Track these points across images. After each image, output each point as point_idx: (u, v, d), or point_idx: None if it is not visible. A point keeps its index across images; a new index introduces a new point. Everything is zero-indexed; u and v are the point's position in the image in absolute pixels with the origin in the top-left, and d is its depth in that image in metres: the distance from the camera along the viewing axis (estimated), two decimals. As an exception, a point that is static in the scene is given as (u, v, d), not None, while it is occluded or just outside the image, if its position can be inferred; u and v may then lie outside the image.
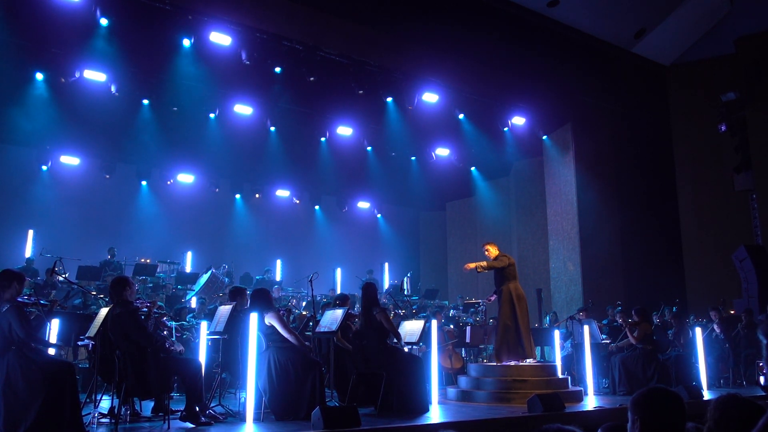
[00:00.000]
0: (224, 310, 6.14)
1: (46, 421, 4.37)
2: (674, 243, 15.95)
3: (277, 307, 7.00)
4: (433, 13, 12.00)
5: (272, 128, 14.22)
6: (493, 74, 13.41)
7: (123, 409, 5.21)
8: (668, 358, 8.88)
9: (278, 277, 14.89)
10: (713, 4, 15.21)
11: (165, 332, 6.71)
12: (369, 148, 15.68)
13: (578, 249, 14.27)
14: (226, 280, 12.04)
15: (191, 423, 5.10)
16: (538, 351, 9.46)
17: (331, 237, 17.30)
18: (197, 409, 5.19)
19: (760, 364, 9.65)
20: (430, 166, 16.71)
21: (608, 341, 9.54)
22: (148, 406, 5.80)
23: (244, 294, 6.70)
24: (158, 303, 6.77)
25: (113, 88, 11.78)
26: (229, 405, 6.16)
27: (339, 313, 6.48)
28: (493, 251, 7.96)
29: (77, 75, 11.34)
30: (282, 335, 5.77)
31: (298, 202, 17.03)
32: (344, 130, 14.65)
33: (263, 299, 5.94)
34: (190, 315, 8.86)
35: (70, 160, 13.81)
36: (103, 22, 10.07)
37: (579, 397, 7.46)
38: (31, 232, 12.73)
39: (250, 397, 5.43)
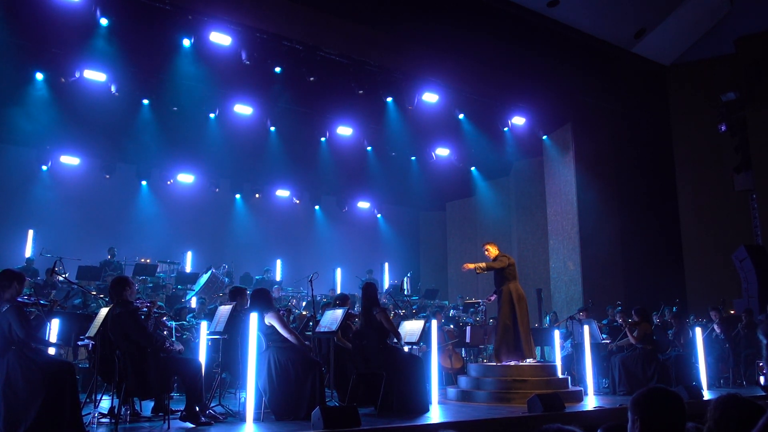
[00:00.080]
0: (224, 310, 6.14)
1: (46, 421, 4.37)
2: (674, 243, 15.95)
3: (277, 307, 7.00)
4: (433, 13, 12.00)
5: (272, 128, 14.22)
6: (493, 74, 13.41)
7: (123, 409, 5.21)
8: (668, 358, 8.88)
9: (278, 277, 14.90)
10: (713, 4, 15.20)
11: (165, 332, 6.71)
12: (369, 148, 15.69)
13: (578, 249, 14.27)
14: (226, 280, 12.04)
15: (191, 423, 5.10)
16: (538, 351, 9.46)
17: (331, 237, 17.30)
18: (197, 409, 5.19)
19: (760, 364, 9.65)
20: (430, 166, 16.71)
21: (608, 341, 9.54)
22: (148, 406, 5.80)
23: (244, 294, 6.71)
24: (158, 303, 6.77)
25: (113, 88, 11.78)
26: (229, 405, 6.16)
27: (339, 313, 6.48)
28: (493, 251, 7.95)
29: (77, 75, 11.34)
30: (282, 335, 5.77)
31: (298, 202, 17.03)
32: (344, 130, 14.65)
33: (263, 299, 5.94)
34: (190, 315, 8.86)
35: (70, 160, 13.81)
36: (103, 22, 10.07)
37: (579, 397, 7.46)
38: (31, 232, 12.73)
39: (250, 397, 5.43)
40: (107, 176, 14.06)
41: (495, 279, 7.99)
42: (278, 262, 15.77)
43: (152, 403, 5.70)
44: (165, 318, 7.06)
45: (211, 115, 13.27)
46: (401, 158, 16.46)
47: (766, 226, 14.88)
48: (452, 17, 12.16)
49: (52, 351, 5.83)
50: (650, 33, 15.00)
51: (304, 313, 9.57)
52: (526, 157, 16.33)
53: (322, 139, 14.86)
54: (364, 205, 18.35)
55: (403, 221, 19.13)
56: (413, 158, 16.78)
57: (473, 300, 13.20)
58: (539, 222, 15.94)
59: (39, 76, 11.62)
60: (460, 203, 18.59)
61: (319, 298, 11.47)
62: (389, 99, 13.34)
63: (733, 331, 10.46)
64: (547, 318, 12.17)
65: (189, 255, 14.25)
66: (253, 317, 5.58)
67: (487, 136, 14.86)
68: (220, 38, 10.81)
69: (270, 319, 5.78)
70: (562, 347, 9.34)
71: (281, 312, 6.40)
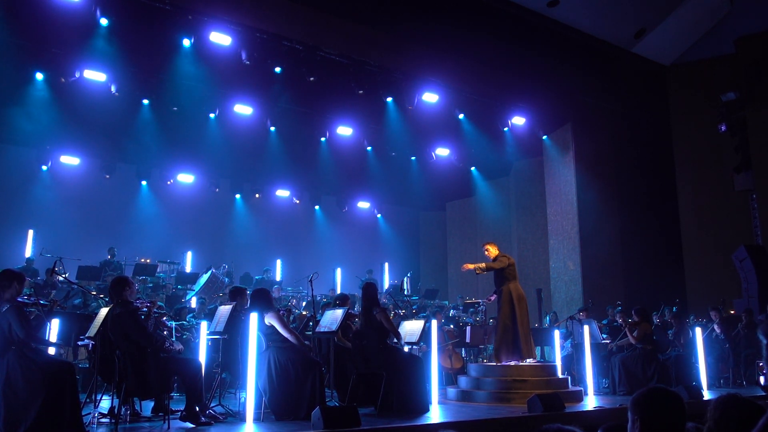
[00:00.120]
0: (224, 310, 6.14)
1: (46, 421, 4.37)
2: (674, 243, 15.95)
3: (277, 307, 7.00)
4: (433, 13, 12.00)
5: (272, 128, 14.22)
6: (493, 74, 13.41)
7: (123, 409, 5.21)
8: (668, 358, 8.88)
9: (278, 277, 14.90)
10: (713, 4, 15.20)
11: (165, 332, 6.71)
12: (369, 148, 15.69)
13: (578, 249, 14.27)
14: (226, 280, 12.04)
15: (191, 423, 5.10)
16: (538, 351, 9.46)
17: (331, 237, 17.30)
18: (197, 409, 5.19)
19: (760, 364, 9.66)
20: (430, 166, 16.71)
21: (608, 341, 9.54)
22: (148, 406, 5.80)
23: (244, 294, 6.71)
24: (158, 303, 6.77)
25: (113, 88, 11.78)
26: (229, 405, 6.16)
27: (339, 313, 6.48)
28: (493, 251, 7.95)
29: (77, 75, 11.34)
30: (282, 335, 5.77)
31: (298, 202, 17.03)
32: (344, 130, 14.65)
33: (263, 299, 5.94)
34: (190, 315, 8.86)
35: (70, 160, 13.81)
36: (103, 22, 10.07)
37: (579, 397, 7.46)
38: (31, 232, 12.73)
39: (250, 397, 5.43)
40: (107, 176, 14.06)
41: (495, 279, 7.98)
42: (278, 262, 15.77)
43: (152, 403, 5.70)
44: (165, 318, 7.06)
45: (211, 115, 13.27)
46: (401, 158, 16.46)
47: (766, 226, 14.88)
48: (452, 17, 12.15)
49: (52, 351, 5.84)
50: (650, 33, 15.00)
51: (304, 313, 9.57)
52: (526, 157, 16.33)
53: (322, 139, 14.86)
54: (364, 205, 18.35)
55: (403, 221, 19.13)
56: (413, 158, 16.78)
57: (473, 300, 13.20)
58: (539, 222, 15.95)
59: (39, 76, 11.62)
60: (460, 203, 18.59)
61: (319, 298, 11.46)
62: (389, 99, 13.34)
63: (733, 331, 10.46)
64: (547, 318, 12.17)
65: (189, 255, 14.25)
66: (253, 317, 5.58)
67: (487, 136, 14.86)
68: (220, 38, 10.81)
69: (270, 319, 5.78)
70: (562, 347, 9.34)
71: (281, 312, 6.40)
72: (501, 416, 5.89)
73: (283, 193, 16.84)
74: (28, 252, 12.35)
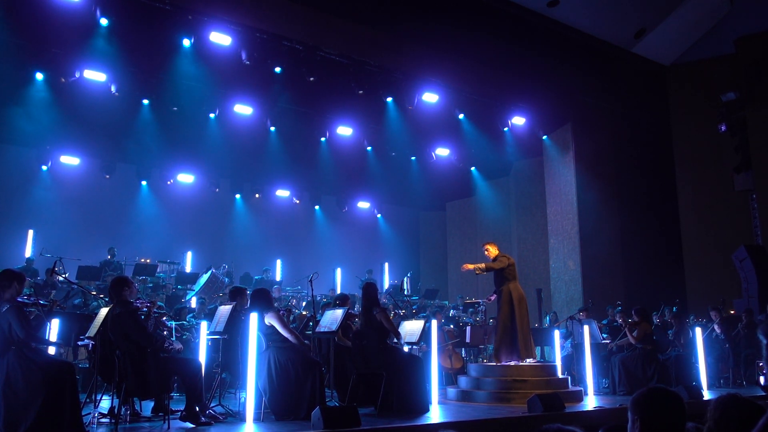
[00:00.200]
0: (224, 310, 6.14)
1: (46, 421, 4.37)
2: (674, 243, 15.95)
3: (277, 307, 7.00)
4: (433, 13, 12.00)
5: (272, 128, 14.22)
6: (493, 74, 13.41)
7: (123, 409, 5.21)
8: (668, 358, 8.88)
9: (278, 277, 14.90)
10: (713, 4, 15.21)
11: (165, 332, 6.71)
12: (369, 148, 15.69)
13: (578, 249, 14.27)
14: (226, 280, 12.04)
15: (191, 423, 5.10)
16: (538, 351, 9.46)
17: (331, 237, 17.30)
18: (197, 409, 5.19)
19: (760, 364, 9.65)
20: (430, 166, 16.71)
21: (608, 341, 9.54)
22: (148, 406, 5.80)
23: (244, 294, 6.70)
24: (158, 303, 6.77)
25: (113, 88, 11.78)
26: (229, 405, 6.16)
27: (339, 313, 6.48)
28: (493, 251, 7.95)
29: (77, 75, 11.34)
30: (282, 335, 5.77)
31: (298, 202, 17.03)
32: (344, 130, 14.65)
33: (263, 299, 5.94)
34: (190, 315, 8.86)
35: (70, 160, 13.82)
36: (103, 22, 10.07)
37: (579, 397, 7.46)
38: (31, 232, 12.73)
39: (250, 397, 5.43)
40: (107, 176, 14.06)
41: (495, 279, 7.98)
42: (278, 262, 15.77)
43: (152, 403, 5.70)
44: (165, 318, 7.06)
45: (211, 115, 13.27)
46: (401, 158, 16.46)
47: (766, 226, 14.88)
48: (452, 17, 12.15)
49: (52, 351, 5.84)
50: (650, 33, 15.00)
51: (304, 313, 9.57)
52: (526, 157, 16.33)
53: (322, 139, 14.86)
54: (364, 205, 18.36)
55: (403, 221, 19.13)
56: (413, 158, 16.78)
57: (473, 300, 13.21)
58: (539, 222, 15.95)
59: (39, 76, 11.62)
60: (460, 203, 18.59)
61: (319, 298, 11.47)
62: (389, 99, 13.34)
63: (733, 331, 10.45)
64: (547, 318, 12.17)
65: (189, 255, 14.25)
66: (253, 317, 5.58)
67: (487, 136, 14.86)
68: (220, 38, 10.81)
69: (270, 319, 5.78)
70: (562, 347, 9.34)
71: (281, 312, 6.40)
72: (501, 416, 5.89)
73: (283, 193, 16.84)
74: (28, 252, 12.35)
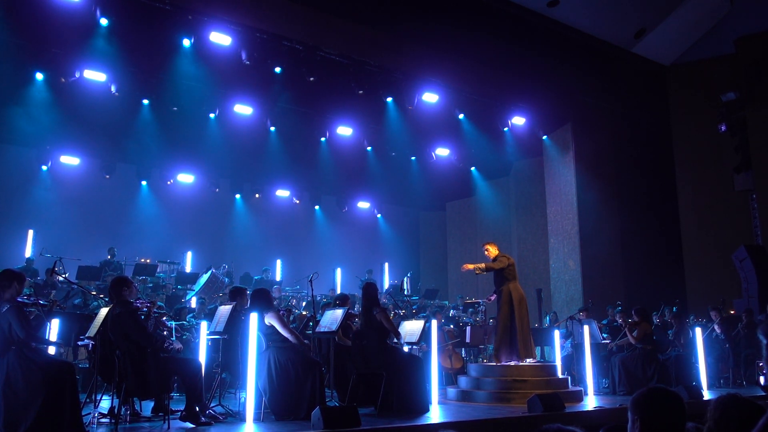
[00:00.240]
0: (224, 310, 6.14)
1: (46, 421, 4.37)
2: (674, 243, 15.95)
3: (276, 307, 7.00)
4: (433, 13, 12.00)
5: (272, 128, 14.22)
6: (493, 74, 13.41)
7: (123, 409, 5.21)
8: (668, 358, 8.88)
9: (278, 277, 14.90)
10: (713, 4, 15.21)
11: (165, 332, 6.71)
12: (369, 148, 15.68)
13: (578, 249, 14.27)
14: (226, 280, 12.04)
15: (191, 423, 5.10)
16: (538, 351, 9.46)
17: (331, 237, 17.30)
18: (197, 409, 5.19)
19: (760, 364, 9.65)
20: (430, 166, 16.71)
21: (608, 341, 9.54)
22: (148, 406, 5.80)
23: (244, 294, 6.70)
24: (158, 303, 6.77)
25: (113, 88, 11.78)
26: (229, 405, 6.16)
27: (339, 313, 6.48)
28: (492, 251, 7.95)
29: (77, 75, 11.34)
30: (282, 335, 5.77)
31: (298, 202, 17.03)
32: (344, 130, 14.65)
33: (263, 299, 5.94)
34: (190, 315, 8.86)
35: (70, 160, 13.82)
36: (103, 22, 10.07)
37: (579, 397, 7.46)
38: (31, 232, 12.73)
39: (250, 397, 5.43)
40: (107, 176, 14.06)
41: (495, 279, 7.98)
42: (278, 262, 15.77)
43: (152, 403, 5.70)
44: (165, 318, 7.06)
45: (211, 115, 13.27)
46: (401, 158, 16.46)
47: (766, 226, 14.88)
48: (452, 17, 12.15)
49: (52, 350, 5.84)
50: (650, 33, 15.01)
51: (304, 313, 9.57)
52: (526, 157, 16.33)
53: (322, 139, 14.86)
54: (364, 205, 18.35)
55: (403, 221, 19.13)
56: (413, 158, 16.78)
57: (473, 300, 13.21)
58: (539, 222, 15.95)
59: (39, 76, 11.62)
60: (460, 203, 18.59)
61: (319, 298, 11.46)
62: (389, 99, 13.34)
63: (733, 331, 10.45)
64: (547, 318, 12.17)
65: (189, 255, 14.25)
66: (253, 317, 5.58)
67: (487, 136, 14.86)
68: (220, 38, 10.81)
69: (270, 319, 5.78)
70: (562, 347, 9.34)
71: (281, 312, 6.40)
72: (501, 416, 5.89)
73: (283, 193, 16.84)
74: (28, 252, 12.35)
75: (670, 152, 16.45)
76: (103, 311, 5.43)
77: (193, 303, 10.32)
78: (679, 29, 15.35)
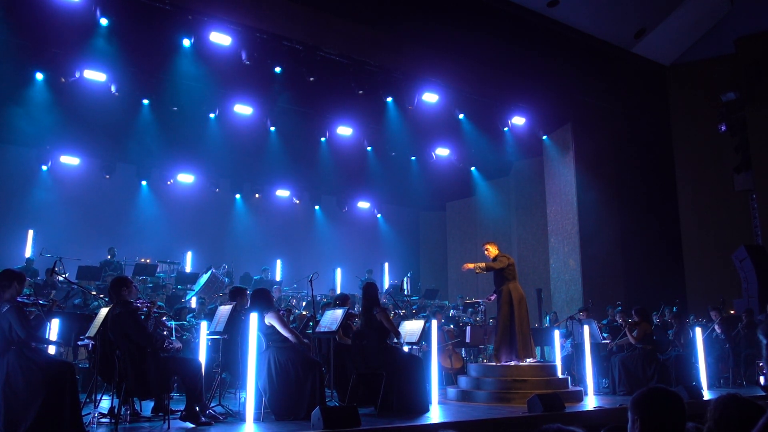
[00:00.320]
0: (224, 310, 6.14)
1: (46, 421, 4.37)
2: (674, 243, 15.95)
3: (276, 306, 7.00)
4: (433, 13, 12.00)
5: (272, 128, 14.22)
6: (493, 74, 13.41)
7: (123, 409, 5.21)
8: (668, 358, 8.88)
9: (278, 277, 14.90)
10: (713, 4, 15.21)
11: (165, 332, 6.71)
12: (369, 148, 15.68)
13: (578, 249, 14.27)
14: (226, 280, 12.04)
15: (191, 423, 5.10)
16: (538, 351, 9.45)
17: (331, 237, 17.30)
18: (197, 409, 5.18)
19: (760, 364, 9.64)
20: (430, 166, 16.71)
21: (608, 341, 9.54)
22: (148, 406, 5.80)
23: (245, 294, 6.70)
24: (158, 303, 6.76)
25: (113, 88, 11.78)
26: (229, 405, 6.16)
27: (339, 313, 6.48)
28: (492, 251, 7.95)
29: (77, 75, 11.34)
30: (282, 335, 5.77)
31: (298, 202, 17.03)
32: (344, 130, 14.65)
33: (263, 299, 5.94)
34: (190, 315, 8.86)
35: (70, 160, 13.82)
36: (103, 22, 10.08)
37: (579, 397, 7.46)
38: (31, 232, 12.73)
39: (250, 397, 5.43)
40: (107, 176, 14.06)
41: (495, 279, 7.98)
42: (278, 262, 15.78)
43: (152, 403, 5.70)
44: (165, 318, 7.06)
45: (211, 115, 13.27)
46: (401, 158, 16.46)
47: (766, 226, 14.88)
48: (452, 17, 12.16)
49: (52, 350, 5.84)
50: (650, 33, 15.01)
51: (304, 313, 9.58)
52: (526, 157, 16.33)
53: (322, 139, 14.86)
54: (364, 205, 18.35)
55: (403, 221, 19.13)
56: (413, 158, 16.78)
57: (473, 300, 13.20)
58: (539, 222, 15.95)
59: (39, 76, 11.61)
60: (460, 203, 18.59)
61: (319, 298, 11.47)
62: (389, 99, 13.35)
63: (733, 331, 10.45)
64: (547, 318, 12.17)
65: (189, 255, 14.26)
66: (253, 317, 5.58)
67: (487, 136, 14.86)
68: (220, 38, 10.81)
69: (270, 319, 5.78)
70: (562, 347, 9.34)
71: (281, 312, 6.40)
72: (501, 416, 5.89)
73: (283, 193, 16.84)
74: (28, 252, 12.35)
75: (670, 152, 16.45)
76: (103, 311, 5.43)
77: (193, 303, 10.33)
78: (679, 29, 15.35)
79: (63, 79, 11.30)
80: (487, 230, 16.98)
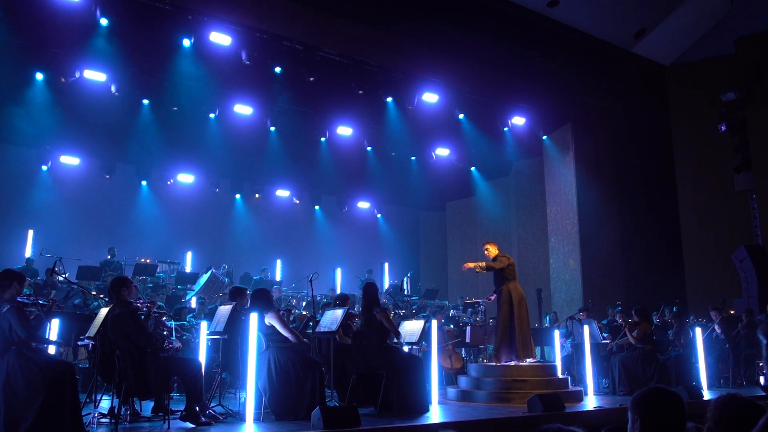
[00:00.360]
0: (224, 310, 6.14)
1: (46, 421, 4.37)
2: (674, 243, 15.95)
3: (277, 306, 7.00)
4: (433, 13, 12.00)
5: (272, 128, 14.22)
6: (493, 74, 13.41)
7: (123, 409, 5.21)
8: (668, 358, 8.88)
9: (278, 277, 14.89)
10: (713, 4, 15.21)
11: (165, 332, 6.71)
12: (369, 148, 15.68)
13: (578, 249, 14.27)
14: (226, 280, 12.04)
15: (191, 423, 5.10)
16: (538, 351, 9.45)
17: (331, 237, 17.30)
18: (197, 409, 5.18)
19: (760, 364, 9.64)
20: (430, 166, 16.71)
21: (608, 341, 9.54)
22: (148, 406, 5.80)
23: (245, 294, 6.70)
24: (158, 303, 6.76)
25: (113, 88, 11.78)
26: (229, 405, 6.16)
27: (339, 313, 6.48)
28: (492, 251, 7.95)
29: (77, 75, 11.34)
30: (282, 335, 5.77)
31: (298, 202, 17.03)
32: (344, 130, 14.65)
33: (263, 299, 5.94)
34: (190, 315, 8.86)
35: (70, 160, 13.82)
36: (103, 22, 10.08)
37: (579, 397, 7.46)
38: (31, 232, 12.73)
39: (250, 397, 5.43)
40: (107, 176, 14.06)
41: (494, 279, 7.98)
42: (278, 262, 15.78)
43: (152, 403, 5.70)
44: (165, 318, 7.06)
45: (211, 115, 13.28)
46: (401, 158, 16.46)
47: (766, 226, 14.88)
48: (452, 17, 12.16)
49: (52, 350, 5.84)
50: (650, 33, 15.01)
51: (304, 313, 9.58)
52: (526, 157, 16.33)
53: (322, 139, 14.86)
54: (364, 205, 18.36)
55: (403, 221, 19.13)
56: (413, 158, 16.78)
57: (473, 300, 13.20)
58: (539, 222, 15.95)
59: (39, 76, 11.61)
60: (460, 203, 18.59)
61: (319, 298, 11.46)
62: (389, 99, 13.35)
63: (733, 331, 10.45)
64: (547, 318, 12.17)
65: (189, 255, 14.26)
66: (253, 317, 5.58)
67: (487, 136, 14.86)
68: (220, 38, 10.81)
69: (270, 319, 5.78)
70: (562, 347, 9.34)
71: (281, 312, 6.40)
72: (501, 416, 5.89)
73: (283, 193, 16.84)
74: (28, 252, 12.36)
75: (670, 152, 16.45)
76: (103, 311, 5.43)
77: (193, 303, 10.33)
78: (679, 29, 15.36)
79: (63, 79, 11.31)
80: (487, 230, 16.98)
